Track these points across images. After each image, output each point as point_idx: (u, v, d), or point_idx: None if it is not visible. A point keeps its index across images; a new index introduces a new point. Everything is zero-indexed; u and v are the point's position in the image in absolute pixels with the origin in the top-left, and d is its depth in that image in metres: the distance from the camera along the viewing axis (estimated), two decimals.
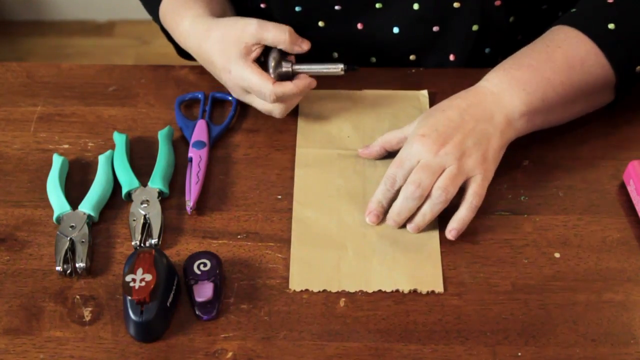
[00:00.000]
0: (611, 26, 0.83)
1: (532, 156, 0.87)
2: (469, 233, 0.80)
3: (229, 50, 0.85)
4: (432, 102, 0.92)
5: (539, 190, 0.84)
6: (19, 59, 2.25)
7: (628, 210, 0.82)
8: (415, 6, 0.93)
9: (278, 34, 0.84)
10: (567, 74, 0.82)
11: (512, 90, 0.81)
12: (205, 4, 0.90)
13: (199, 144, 0.87)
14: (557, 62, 0.82)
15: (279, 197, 0.84)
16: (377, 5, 0.95)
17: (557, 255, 0.78)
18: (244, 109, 0.93)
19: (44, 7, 2.36)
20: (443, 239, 0.79)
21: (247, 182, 0.85)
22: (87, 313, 0.74)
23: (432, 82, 0.95)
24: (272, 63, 0.85)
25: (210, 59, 0.87)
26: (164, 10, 0.93)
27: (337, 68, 0.87)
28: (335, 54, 1.01)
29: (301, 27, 0.89)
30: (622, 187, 0.84)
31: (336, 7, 0.95)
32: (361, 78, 0.95)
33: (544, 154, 0.87)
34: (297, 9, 0.95)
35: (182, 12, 0.90)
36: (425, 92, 0.93)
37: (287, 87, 0.84)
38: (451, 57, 0.98)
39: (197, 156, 0.86)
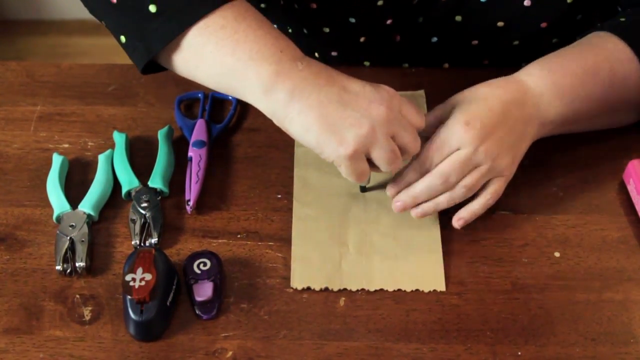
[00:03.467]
0: None
1: (532, 156, 0.87)
2: (469, 232, 0.80)
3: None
4: (430, 102, 0.91)
5: (540, 189, 0.84)
6: (18, 58, 2.25)
7: (628, 209, 0.82)
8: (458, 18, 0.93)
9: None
10: (605, 90, 0.81)
11: (551, 96, 0.80)
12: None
13: (199, 143, 0.87)
14: (602, 76, 0.81)
15: (279, 196, 0.84)
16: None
17: (557, 254, 0.78)
18: (243, 108, 0.93)
19: (43, 6, 2.36)
20: (442, 238, 0.79)
21: (247, 181, 0.85)
22: (87, 312, 0.74)
23: (430, 82, 0.95)
24: None
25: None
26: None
27: None
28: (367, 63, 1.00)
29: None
30: (622, 187, 0.84)
31: None
32: (360, 77, 0.95)
33: (544, 154, 0.87)
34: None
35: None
36: (422, 92, 0.93)
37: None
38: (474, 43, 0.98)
39: (197, 155, 0.86)
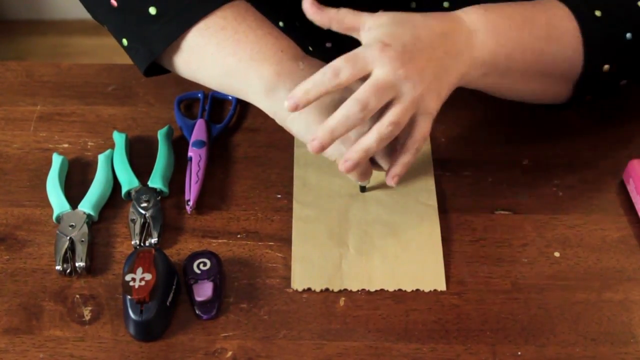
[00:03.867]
0: (597, 13, 0.80)
1: (532, 156, 0.87)
2: (469, 232, 0.80)
3: None
4: None
5: (539, 189, 0.84)
6: (18, 58, 2.25)
7: (628, 209, 0.82)
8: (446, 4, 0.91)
9: None
10: (541, 42, 0.78)
11: (486, 34, 0.75)
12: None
13: (199, 143, 0.87)
14: (537, 25, 0.78)
15: (279, 196, 0.84)
16: (412, 5, 0.93)
17: (556, 254, 0.78)
18: (243, 108, 0.93)
19: (43, 6, 2.36)
20: (442, 238, 0.79)
21: (246, 181, 0.85)
22: (87, 312, 0.74)
23: None
24: None
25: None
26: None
27: None
28: None
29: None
30: (622, 187, 0.84)
31: None
32: None
33: (544, 154, 0.87)
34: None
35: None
36: None
37: None
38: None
39: (197, 155, 0.86)
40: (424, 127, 0.72)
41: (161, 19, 0.76)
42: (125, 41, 0.80)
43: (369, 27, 0.72)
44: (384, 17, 0.73)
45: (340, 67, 0.69)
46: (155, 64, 0.81)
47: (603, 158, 0.87)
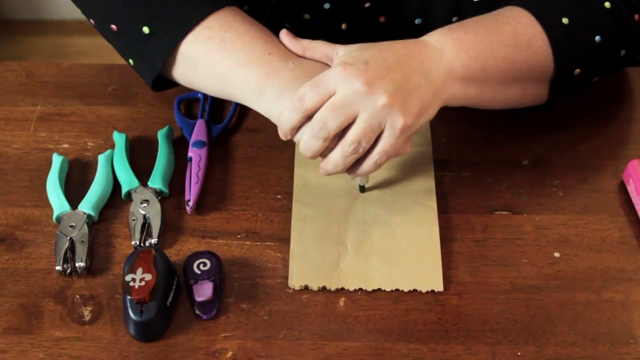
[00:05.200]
0: (565, 20, 0.80)
1: (532, 156, 0.87)
2: (468, 232, 0.80)
3: None
4: None
5: (539, 190, 0.84)
6: (18, 58, 2.25)
7: (628, 209, 0.82)
8: None
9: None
10: (511, 50, 0.78)
11: (455, 49, 0.76)
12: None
13: (199, 144, 0.87)
14: (504, 35, 0.78)
15: (279, 196, 0.84)
16: (381, 20, 0.93)
17: (556, 254, 0.78)
18: (243, 108, 0.93)
19: (43, 6, 2.36)
20: (442, 238, 0.79)
21: (246, 181, 0.85)
22: (87, 312, 0.74)
23: None
24: None
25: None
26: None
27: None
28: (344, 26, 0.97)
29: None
30: (622, 187, 0.84)
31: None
32: None
33: (544, 154, 0.87)
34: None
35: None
36: None
37: None
38: None
39: (197, 156, 0.86)
40: (385, 143, 0.72)
41: (154, 36, 0.79)
42: (131, 61, 0.84)
43: (338, 54, 0.75)
44: (353, 45, 0.75)
45: (305, 93, 0.71)
46: (163, 77, 0.83)
47: (603, 158, 0.87)
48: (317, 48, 0.77)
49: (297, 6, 0.93)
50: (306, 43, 0.78)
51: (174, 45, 0.78)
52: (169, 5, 0.79)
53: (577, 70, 0.81)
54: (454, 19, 0.93)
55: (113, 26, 0.82)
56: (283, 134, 0.75)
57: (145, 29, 0.79)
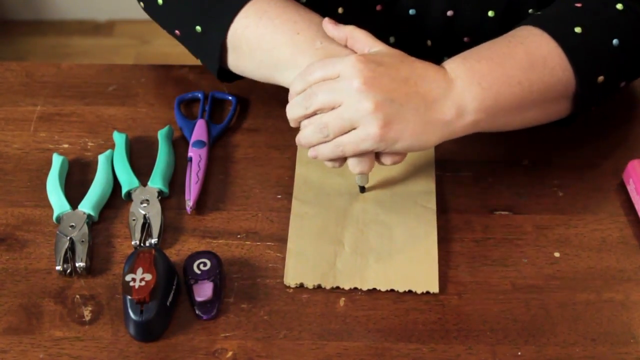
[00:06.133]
0: (577, 30, 0.79)
1: (531, 156, 0.87)
2: (468, 232, 0.80)
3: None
4: None
5: (539, 190, 0.84)
6: (18, 58, 2.25)
7: (628, 209, 0.82)
8: None
9: None
10: (527, 72, 0.77)
11: (467, 80, 0.75)
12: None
13: (199, 144, 0.87)
14: (518, 58, 0.77)
15: (279, 196, 0.84)
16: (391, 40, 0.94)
17: (556, 254, 0.78)
18: (243, 108, 0.93)
19: (43, 6, 2.36)
20: (442, 238, 0.79)
21: (246, 181, 0.85)
22: (87, 313, 0.74)
23: None
24: None
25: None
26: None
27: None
28: None
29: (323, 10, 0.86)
30: (622, 187, 0.84)
31: None
32: None
33: (544, 154, 0.87)
34: None
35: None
36: None
37: None
38: (465, 39, 0.97)
39: (197, 156, 0.86)
40: (349, 138, 0.74)
41: (206, 33, 0.84)
42: (200, 61, 0.89)
43: (372, 50, 0.77)
44: (389, 47, 0.77)
45: (314, 67, 0.75)
46: (227, 70, 0.87)
47: (603, 158, 0.87)
48: (359, 38, 0.78)
49: None
50: (349, 31, 0.78)
51: (220, 40, 0.83)
52: (213, 1, 0.84)
53: (601, 78, 0.79)
54: (449, 12, 0.93)
55: (177, 31, 0.87)
56: (290, 98, 0.77)
57: (198, 28, 0.84)
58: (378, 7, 0.94)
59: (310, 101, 0.74)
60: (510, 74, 0.77)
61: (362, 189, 0.83)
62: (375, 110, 0.72)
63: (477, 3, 0.91)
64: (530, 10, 0.92)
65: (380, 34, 0.97)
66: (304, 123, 0.76)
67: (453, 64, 0.77)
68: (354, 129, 0.73)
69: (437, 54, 0.97)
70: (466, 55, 0.79)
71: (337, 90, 0.73)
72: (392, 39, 0.97)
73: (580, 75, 0.78)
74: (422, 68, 0.76)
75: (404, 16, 0.94)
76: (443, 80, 0.75)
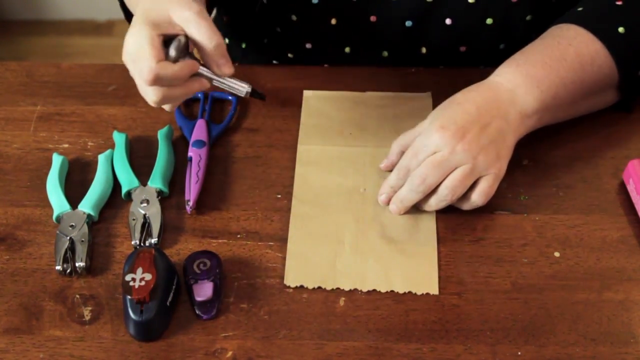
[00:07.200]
0: (621, 30, 0.84)
1: (532, 155, 0.87)
2: (468, 232, 0.80)
3: (149, 12, 0.74)
4: (436, 103, 0.91)
5: (539, 189, 0.84)
6: (18, 58, 2.25)
7: (628, 209, 0.82)
8: None
9: (204, 40, 0.74)
10: (578, 73, 0.83)
11: (526, 87, 0.81)
12: None
13: (199, 144, 0.87)
14: (569, 60, 0.83)
15: (279, 196, 0.84)
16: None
17: (556, 254, 0.78)
18: (243, 108, 0.93)
19: (43, 6, 2.36)
20: (442, 238, 0.79)
21: (246, 181, 0.85)
22: (87, 312, 0.74)
23: (433, 82, 0.95)
24: (173, 48, 0.74)
25: (133, 10, 0.83)
26: None
27: (243, 88, 0.79)
28: (348, 49, 1.00)
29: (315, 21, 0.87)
30: (622, 186, 0.84)
31: None
32: (359, 77, 0.95)
33: (544, 153, 0.87)
34: (314, 0, 0.95)
35: None
36: (429, 94, 0.93)
37: (169, 69, 0.72)
38: (462, 49, 0.98)
39: (197, 155, 0.86)
40: (483, 186, 0.78)
41: None
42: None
43: (422, 126, 0.81)
44: (432, 112, 0.81)
45: (409, 165, 0.79)
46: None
47: (603, 158, 0.87)
48: (405, 139, 0.83)
49: (285, 5, 0.94)
50: (394, 149, 0.84)
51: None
52: None
53: None
54: (448, 21, 0.93)
55: None
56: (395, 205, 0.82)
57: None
58: (372, 18, 0.95)
59: (426, 184, 0.78)
60: (564, 75, 0.82)
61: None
62: (485, 155, 0.77)
63: (476, 11, 0.92)
64: (528, 18, 0.93)
65: (374, 46, 0.98)
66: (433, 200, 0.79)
67: (509, 75, 0.82)
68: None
69: (432, 62, 0.98)
70: (519, 62, 0.83)
71: (445, 163, 0.77)
72: (385, 53, 0.98)
73: (623, 73, 0.85)
74: (478, 95, 0.80)
75: (400, 27, 0.95)
76: (503, 93, 0.81)
